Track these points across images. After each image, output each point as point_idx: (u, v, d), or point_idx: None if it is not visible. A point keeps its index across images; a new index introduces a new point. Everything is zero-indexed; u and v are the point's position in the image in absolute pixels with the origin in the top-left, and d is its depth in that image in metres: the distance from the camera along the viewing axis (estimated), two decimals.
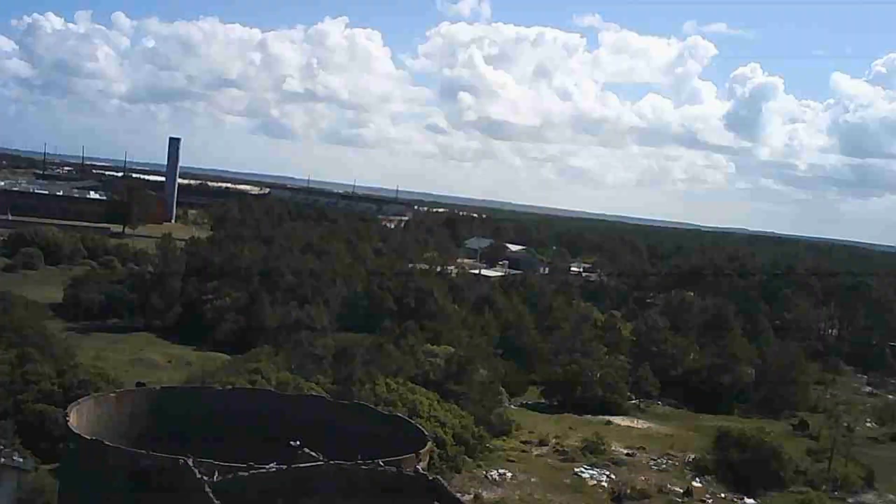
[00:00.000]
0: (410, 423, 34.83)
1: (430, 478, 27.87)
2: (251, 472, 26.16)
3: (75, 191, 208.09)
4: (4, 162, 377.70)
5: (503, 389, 71.49)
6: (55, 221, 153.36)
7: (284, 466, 26.81)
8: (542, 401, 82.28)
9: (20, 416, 50.76)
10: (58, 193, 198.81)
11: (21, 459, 43.19)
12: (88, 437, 28.37)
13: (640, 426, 77.10)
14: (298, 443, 28.97)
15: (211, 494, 23.77)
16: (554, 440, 66.82)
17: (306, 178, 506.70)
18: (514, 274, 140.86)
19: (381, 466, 27.45)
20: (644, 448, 68.12)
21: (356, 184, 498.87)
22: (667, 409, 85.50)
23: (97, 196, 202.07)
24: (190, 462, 26.12)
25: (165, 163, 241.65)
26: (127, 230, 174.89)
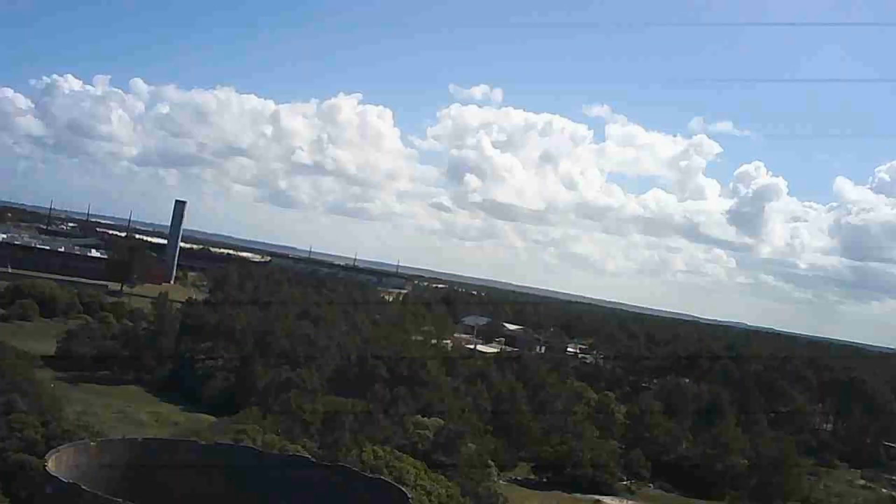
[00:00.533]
0: (395, 486, 34.31)
1: None
2: None
3: (76, 248, 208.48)
4: (10, 215, 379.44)
5: (492, 463, 70.57)
6: (55, 276, 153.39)
7: None
8: (532, 477, 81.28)
9: (1, 462, 50.18)
10: (59, 249, 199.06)
11: None
12: (66, 481, 28.02)
13: None
14: None
15: None
16: None
17: (308, 248, 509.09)
18: (509, 351, 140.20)
19: None
20: None
21: (357, 256, 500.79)
22: (658, 492, 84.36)
23: (98, 254, 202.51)
24: None
25: (169, 224, 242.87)
26: (125, 289, 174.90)
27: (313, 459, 38.79)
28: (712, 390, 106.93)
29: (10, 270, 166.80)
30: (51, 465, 29.27)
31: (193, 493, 31.95)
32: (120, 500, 27.80)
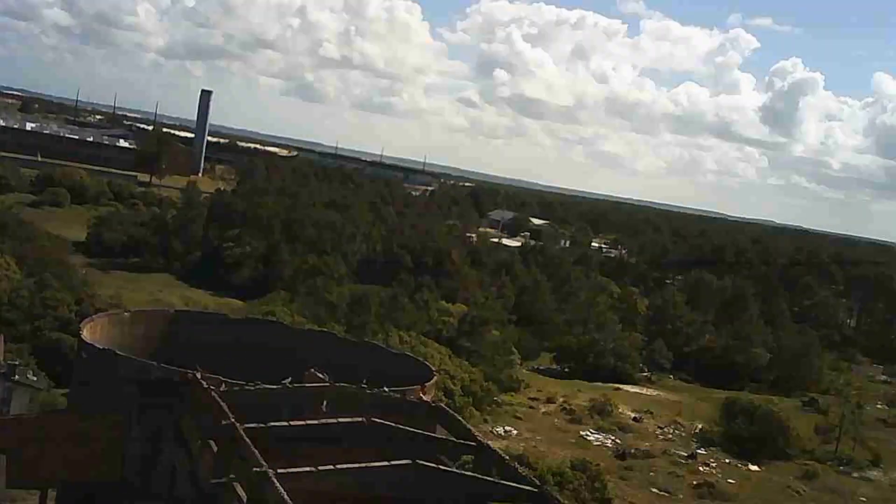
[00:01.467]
0: (419, 361, 35.08)
1: (433, 403, 28.19)
2: (258, 387, 26.56)
3: (105, 138, 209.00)
4: (37, 106, 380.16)
5: (515, 351, 71.68)
6: (84, 166, 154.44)
7: (291, 384, 27.19)
8: (554, 367, 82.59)
9: (37, 340, 51.67)
10: (88, 139, 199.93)
11: (34, 378, 44.01)
12: (100, 347, 28.87)
13: (649, 393, 77.33)
14: (290, 379, 29.31)
15: (220, 401, 24.11)
16: (561, 399, 67.09)
17: (335, 143, 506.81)
18: (534, 244, 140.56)
19: (386, 391, 27.76)
20: (651, 413, 68.27)
21: (384, 153, 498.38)
22: (678, 382, 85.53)
23: (126, 145, 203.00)
24: (198, 375, 26.53)
25: (195, 119, 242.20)
26: (154, 180, 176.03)
27: (340, 335, 39.63)
28: (737, 284, 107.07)
29: (39, 159, 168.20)
30: (86, 334, 30.13)
31: (224, 365, 32.85)
32: (154, 363, 28.72)
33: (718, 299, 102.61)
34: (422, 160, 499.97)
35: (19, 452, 26.09)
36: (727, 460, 60.14)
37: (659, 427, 65.78)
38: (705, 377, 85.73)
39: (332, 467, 21.01)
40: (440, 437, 24.55)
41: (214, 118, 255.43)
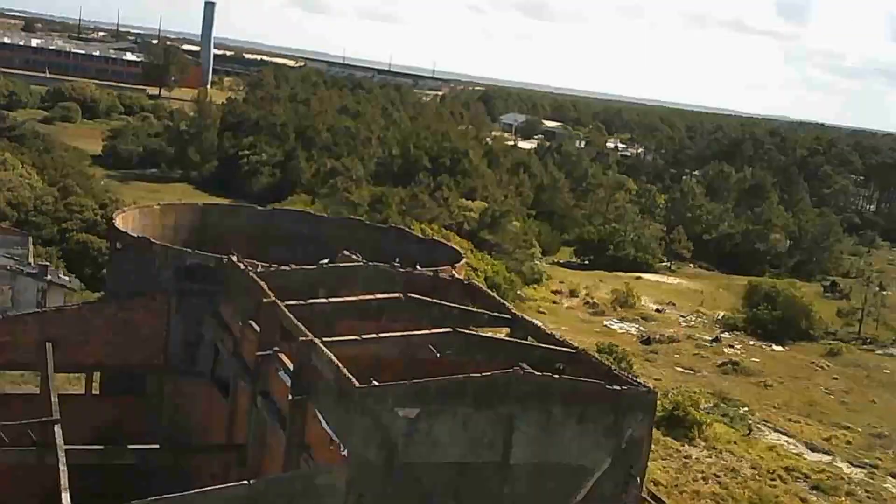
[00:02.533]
0: (447, 244, 35.31)
1: (466, 280, 28.46)
2: (294, 268, 26.84)
3: (112, 51, 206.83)
4: (39, 25, 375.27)
5: (536, 243, 71.93)
6: (92, 81, 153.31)
7: (326, 265, 27.49)
8: (574, 260, 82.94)
9: (65, 244, 52.20)
10: (94, 54, 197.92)
11: (66, 278, 44.64)
12: (135, 235, 29.15)
13: (670, 281, 77.82)
14: (328, 260, 29.53)
15: (259, 281, 24.41)
16: (584, 291, 67.57)
17: (342, 54, 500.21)
18: (549, 144, 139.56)
19: (419, 270, 28.01)
20: (674, 303, 68.87)
21: (392, 61, 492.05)
22: (698, 270, 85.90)
23: (133, 58, 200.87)
24: (234, 258, 26.80)
25: (199, 33, 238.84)
26: (163, 93, 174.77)
27: (367, 221, 39.82)
28: (755, 174, 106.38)
29: (47, 75, 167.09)
30: (118, 223, 30.39)
31: (255, 252, 33.15)
32: (189, 249, 29.02)
33: (738, 189, 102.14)
34: (431, 68, 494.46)
35: (63, 341, 26.69)
36: (751, 342, 60.89)
37: (681, 316, 66.40)
38: (725, 264, 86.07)
39: (374, 336, 21.40)
40: (476, 309, 24.82)
41: (219, 31, 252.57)
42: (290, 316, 21.65)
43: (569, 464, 19.09)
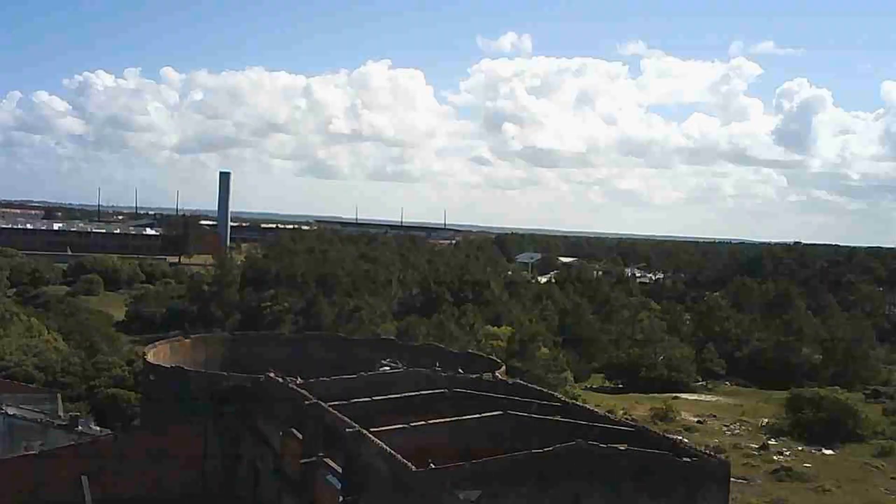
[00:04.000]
0: (484, 356, 34.65)
1: (511, 381, 27.71)
2: (332, 378, 26.25)
3: (132, 228, 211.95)
4: (59, 214, 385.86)
5: (567, 368, 70.73)
6: (114, 255, 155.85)
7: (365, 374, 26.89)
8: (607, 384, 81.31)
9: (93, 399, 51.47)
10: (115, 231, 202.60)
11: (98, 429, 43.76)
12: (168, 366, 28.73)
13: (708, 399, 75.87)
14: (388, 361, 29.03)
15: (300, 390, 23.81)
16: (622, 412, 65.80)
17: (354, 216, 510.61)
18: (568, 273, 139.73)
19: (461, 373, 27.36)
20: (715, 416, 66.93)
21: (403, 218, 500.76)
22: (734, 388, 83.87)
23: (153, 232, 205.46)
24: (272, 374, 26.31)
25: (216, 206, 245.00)
26: (182, 259, 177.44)
27: (400, 341, 39.26)
28: (779, 285, 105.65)
29: (69, 253, 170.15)
30: (150, 357, 30.08)
31: (288, 374, 32.53)
32: (224, 373, 28.52)
33: (762, 301, 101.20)
34: (441, 221, 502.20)
35: (99, 473, 25.88)
36: (799, 448, 58.58)
37: (725, 426, 64.38)
38: (761, 380, 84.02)
39: (422, 423, 20.62)
40: (525, 399, 24.06)
41: (233, 206, 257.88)
42: (335, 412, 20.97)
43: None
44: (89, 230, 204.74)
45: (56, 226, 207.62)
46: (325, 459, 21.26)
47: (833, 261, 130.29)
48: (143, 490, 26.62)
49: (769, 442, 59.33)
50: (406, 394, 23.85)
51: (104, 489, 25.52)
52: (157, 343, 32.86)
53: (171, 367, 28.14)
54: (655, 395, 76.12)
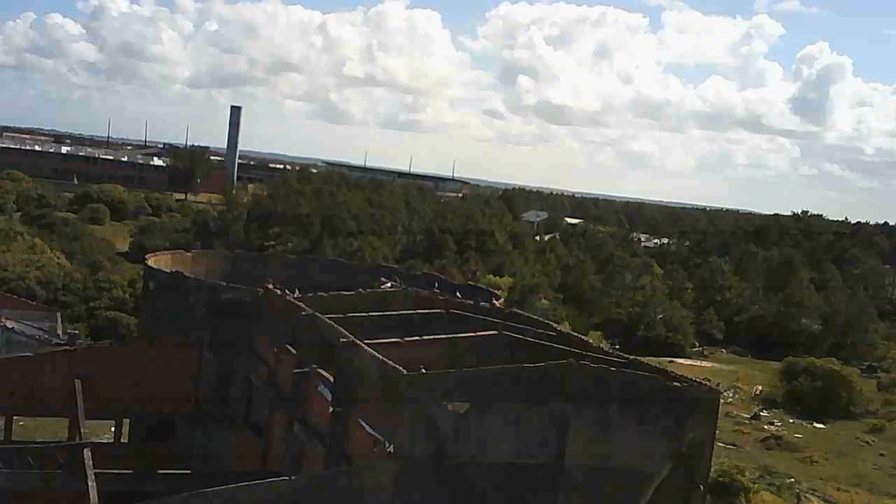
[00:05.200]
0: (484, 288, 34.65)
1: (507, 310, 27.71)
2: (331, 294, 26.25)
3: (139, 156, 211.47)
4: (69, 140, 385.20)
5: (565, 321, 70.83)
6: (120, 186, 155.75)
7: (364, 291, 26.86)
8: (603, 343, 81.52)
9: (92, 319, 51.85)
10: (122, 159, 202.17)
11: None
12: (168, 271, 28.74)
13: (703, 365, 76.01)
14: (388, 282, 29.06)
15: (297, 303, 23.79)
16: None
17: (362, 162, 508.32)
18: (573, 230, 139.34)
19: (459, 298, 27.35)
20: (709, 380, 66.96)
21: (412, 167, 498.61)
22: (731, 355, 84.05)
23: (161, 163, 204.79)
24: (271, 286, 26.24)
25: (225, 144, 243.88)
26: (189, 196, 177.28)
27: (400, 269, 39.25)
28: (783, 253, 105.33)
29: (76, 182, 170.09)
30: (151, 262, 30.06)
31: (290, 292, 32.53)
32: (223, 283, 28.53)
33: (766, 268, 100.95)
34: (450, 174, 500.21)
35: (93, 380, 25.93)
36: (791, 420, 58.83)
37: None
38: (758, 349, 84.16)
39: (418, 338, 20.65)
40: (520, 325, 24.03)
41: (242, 144, 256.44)
42: (331, 323, 20.97)
43: (626, 468, 18.02)
44: (97, 156, 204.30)
45: (64, 149, 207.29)
46: (318, 370, 21.33)
47: (839, 233, 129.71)
48: (137, 400, 26.74)
49: (761, 413, 59.53)
50: (404, 311, 23.89)
51: (97, 397, 25.58)
52: (158, 252, 32.89)
53: (172, 271, 28.12)
54: (651, 358, 76.33)
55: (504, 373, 17.27)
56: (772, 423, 57.22)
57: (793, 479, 44.46)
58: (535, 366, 17.69)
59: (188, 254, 33.80)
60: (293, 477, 16.80)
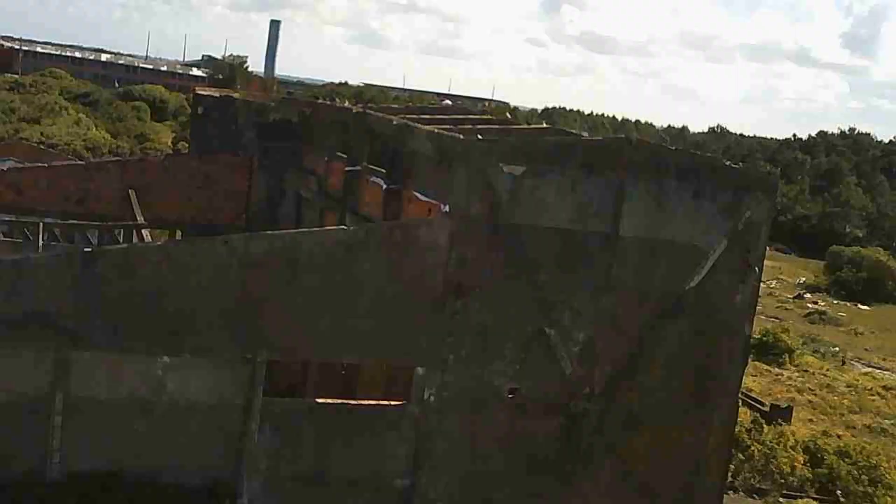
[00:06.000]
0: None
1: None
2: (385, 106, 26.17)
3: (179, 66, 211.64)
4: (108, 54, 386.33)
5: None
6: (161, 87, 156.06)
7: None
8: None
9: None
10: (162, 68, 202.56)
11: None
12: (217, 95, 28.82)
13: None
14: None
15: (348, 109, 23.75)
16: None
17: (401, 85, 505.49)
18: None
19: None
20: None
21: (452, 90, 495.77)
22: (774, 252, 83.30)
23: (200, 73, 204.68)
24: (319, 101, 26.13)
25: (266, 47, 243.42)
26: None
27: None
28: (830, 161, 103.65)
29: (117, 86, 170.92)
30: (199, 90, 30.15)
31: None
32: (272, 103, 28.57)
33: (813, 174, 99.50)
34: (490, 97, 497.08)
35: (147, 191, 26.26)
36: (835, 302, 58.57)
37: (762, 281, 64.28)
38: (802, 246, 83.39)
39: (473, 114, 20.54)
40: None
41: (280, 68, 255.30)
42: (381, 115, 20.92)
43: (682, 242, 17.86)
44: (136, 65, 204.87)
45: (104, 57, 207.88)
46: (370, 166, 21.37)
47: (888, 150, 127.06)
48: (188, 216, 27.06)
49: (805, 295, 59.30)
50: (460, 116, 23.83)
51: (149, 209, 25.91)
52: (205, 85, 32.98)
53: (220, 95, 28.20)
54: None
55: (560, 143, 17.12)
56: (815, 303, 57.00)
57: (837, 348, 44.38)
58: (592, 139, 17.49)
59: (235, 93, 33.82)
60: (350, 227, 16.90)
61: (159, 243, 15.86)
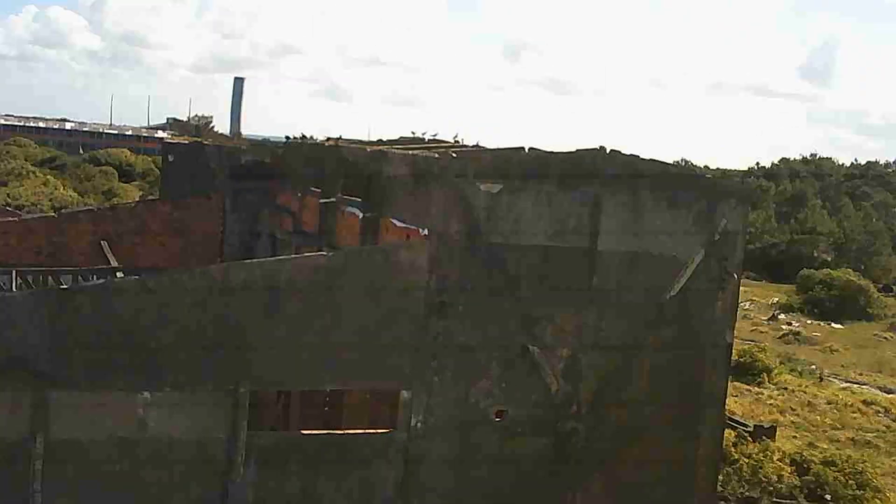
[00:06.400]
0: None
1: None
2: (362, 142, 26.24)
3: (144, 129, 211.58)
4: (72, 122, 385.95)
5: None
6: (126, 150, 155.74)
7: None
8: None
9: None
10: (127, 133, 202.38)
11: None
12: (187, 142, 28.77)
13: None
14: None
15: (323, 145, 23.80)
16: None
17: (366, 136, 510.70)
18: None
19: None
20: None
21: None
22: (745, 280, 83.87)
23: (166, 135, 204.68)
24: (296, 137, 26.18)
25: (230, 102, 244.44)
26: None
27: None
28: (794, 187, 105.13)
29: (81, 153, 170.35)
30: (167, 136, 30.12)
31: None
32: (243, 146, 28.56)
33: (778, 200, 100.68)
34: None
35: (119, 240, 26.06)
36: (809, 321, 59.02)
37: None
38: (773, 273, 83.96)
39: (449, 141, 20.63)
40: None
41: (246, 126, 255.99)
42: (354, 146, 20.98)
43: (660, 254, 17.97)
44: (101, 130, 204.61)
45: (68, 125, 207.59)
46: (344, 196, 21.36)
47: (850, 174, 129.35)
48: (162, 262, 26.78)
49: (779, 315, 59.75)
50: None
51: (123, 257, 25.69)
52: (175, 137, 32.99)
53: (190, 143, 28.17)
54: None
55: (537, 158, 17.25)
56: (789, 323, 57.40)
57: (814, 366, 44.62)
58: (566, 153, 17.65)
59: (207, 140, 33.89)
60: (330, 253, 16.83)
61: (136, 278, 15.64)
